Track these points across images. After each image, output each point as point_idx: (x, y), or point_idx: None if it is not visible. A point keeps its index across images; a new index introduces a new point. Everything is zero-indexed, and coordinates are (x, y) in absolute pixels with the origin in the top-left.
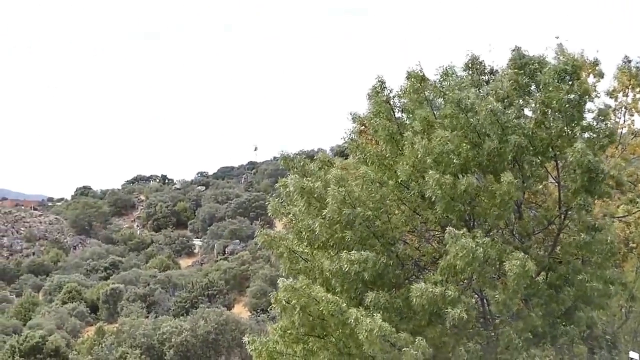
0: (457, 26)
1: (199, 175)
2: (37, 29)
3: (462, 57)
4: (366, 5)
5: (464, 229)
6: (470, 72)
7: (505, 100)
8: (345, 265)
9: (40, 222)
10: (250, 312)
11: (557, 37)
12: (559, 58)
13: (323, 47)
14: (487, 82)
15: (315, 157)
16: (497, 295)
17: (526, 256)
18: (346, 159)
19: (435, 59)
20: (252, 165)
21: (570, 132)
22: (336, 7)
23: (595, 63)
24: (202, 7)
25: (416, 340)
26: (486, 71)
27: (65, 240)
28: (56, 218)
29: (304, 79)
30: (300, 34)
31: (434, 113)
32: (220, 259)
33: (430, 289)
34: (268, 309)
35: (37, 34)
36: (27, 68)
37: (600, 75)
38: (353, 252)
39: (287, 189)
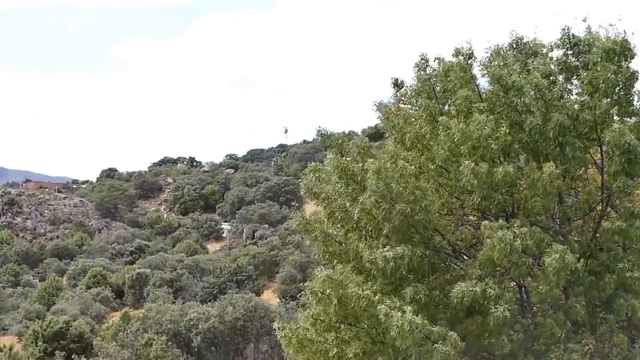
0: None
1: (228, 157)
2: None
3: (505, 38)
4: None
5: (502, 219)
6: (515, 53)
7: (551, 78)
8: (381, 262)
9: (65, 205)
10: (280, 298)
11: (571, 15)
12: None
13: (356, 29)
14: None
15: (352, 140)
16: (540, 287)
17: (566, 248)
18: (377, 141)
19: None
20: (282, 148)
21: (615, 115)
22: None
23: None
24: None
25: (448, 333)
26: (531, 52)
27: (90, 224)
28: (81, 200)
29: (335, 61)
30: (336, 15)
31: (479, 93)
32: (249, 244)
33: (471, 288)
34: (298, 296)
35: (58, 18)
36: (50, 49)
37: (631, 56)
38: (387, 248)
39: (317, 174)
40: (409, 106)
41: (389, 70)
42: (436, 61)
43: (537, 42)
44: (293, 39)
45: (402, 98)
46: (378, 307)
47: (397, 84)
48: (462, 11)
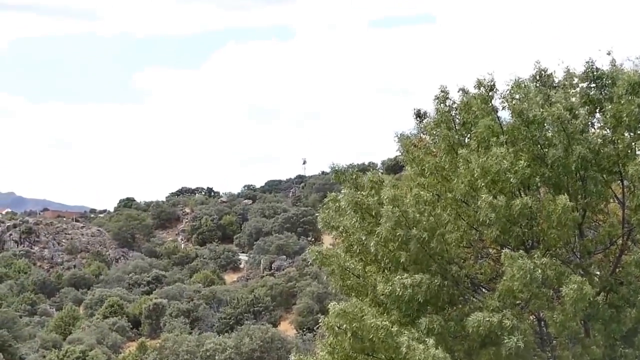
0: (524, 38)
1: (246, 188)
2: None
3: (528, 70)
4: (421, 17)
5: (521, 250)
6: (538, 85)
7: (573, 111)
8: (399, 290)
9: (82, 234)
10: (297, 330)
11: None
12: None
13: (377, 60)
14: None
15: (366, 173)
16: (555, 317)
17: (584, 279)
18: (396, 173)
19: (498, 72)
20: (301, 179)
21: (638, 149)
22: (380, 20)
23: None
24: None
25: None
26: (555, 84)
27: (107, 253)
28: (98, 230)
29: (355, 91)
30: (357, 46)
31: (500, 125)
32: (267, 275)
33: (488, 319)
34: (315, 328)
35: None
36: (71, 78)
37: None
38: (406, 275)
39: (337, 204)
40: (430, 138)
41: (411, 100)
42: (459, 92)
43: (571, 72)
44: (312, 69)
45: (424, 129)
46: (399, 339)
47: (420, 115)
48: (483, 42)
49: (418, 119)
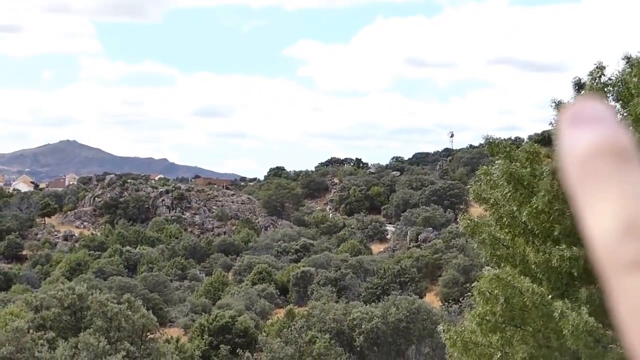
0: None
1: (394, 160)
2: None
3: None
4: None
5: None
6: None
7: None
8: (556, 262)
9: (233, 202)
10: (442, 302)
11: None
12: None
13: (517, 39)
14: None
15: (520, 146)
16: None
17: None
18: (545, 147)
19: None
20: (448, 152)
21: None
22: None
23: None
24: None
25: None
26: None
27: (256, 221)
28: (248, 198)
29: (500, 68)
30: (494, 24)
31: None
32: (413, 246)
33: None
34: (460, 299)
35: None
36: (223, 49)
37: None
38: (564, 247)
39: (488, 177)
40: None
41: (555, 77)
42: (619, 65)
43: None
44: (457, 44)
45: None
46: (553, 305)
47: (579, 85)
48: (632, 22)
49: (577, 89)
